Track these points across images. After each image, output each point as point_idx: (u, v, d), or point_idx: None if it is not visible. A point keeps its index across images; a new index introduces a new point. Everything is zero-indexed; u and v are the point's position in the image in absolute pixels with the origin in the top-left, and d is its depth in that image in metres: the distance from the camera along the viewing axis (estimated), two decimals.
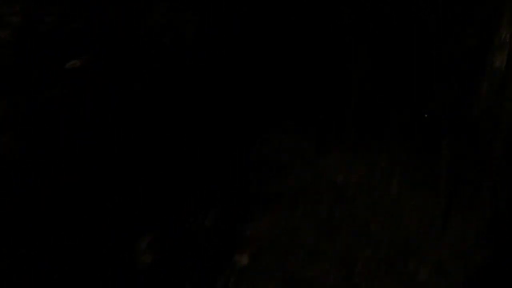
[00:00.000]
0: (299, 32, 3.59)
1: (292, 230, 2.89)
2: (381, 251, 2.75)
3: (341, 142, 4.25)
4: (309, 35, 3.64)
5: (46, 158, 2.37)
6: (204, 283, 2.31)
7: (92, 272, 2.15)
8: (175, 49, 3.08)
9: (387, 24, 3.48)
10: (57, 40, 2.56)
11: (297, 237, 2.82)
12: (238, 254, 2.52)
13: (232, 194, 3.11)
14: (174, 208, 2.49)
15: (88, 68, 2.48)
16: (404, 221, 3.16)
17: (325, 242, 2.80)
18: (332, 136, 4.31)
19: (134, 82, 2.87)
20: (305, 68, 3.92)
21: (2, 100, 2.39)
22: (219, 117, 3.52)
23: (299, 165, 3.99)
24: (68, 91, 2.34)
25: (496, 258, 2.78)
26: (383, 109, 4.26)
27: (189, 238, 2.32)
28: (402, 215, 3.25)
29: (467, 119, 3.76)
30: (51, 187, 2.30)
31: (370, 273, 2.66)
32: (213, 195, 2.95)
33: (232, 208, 2.95)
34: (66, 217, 2.33)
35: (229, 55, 3.43)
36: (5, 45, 2.60)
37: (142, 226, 2.21)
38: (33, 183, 2.28)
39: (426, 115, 3.40)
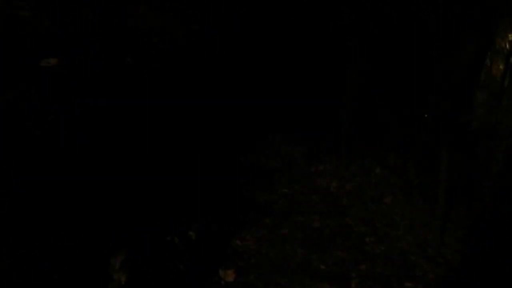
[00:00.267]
0: (297, 33, 3.48)
1: (281, 242, 2.72)
2: (377, 267, 2.58)
3: (335, 148, 4.11)
4: (307, 36, 3.54)
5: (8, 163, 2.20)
6: None
7: None
8: (166, 48, 2.93)
9: (386, 28, 3.36)
10: (32, 36, 2.38)
11: (287, 251, 2.64)
12: (223, 270, 2.34)
13: (219, 203, 2.95)
14: (153, 219, 2.31)
15: (65, 67, 2.30)
16: (400, 234, 3.00)
17: (317, 256, 2.62)
18: (326, 142, 4.18)
19: (118, 82, 2.70)
20: (300, 72, 3.80)
21: None
22: (208, 121, 3.38)
23: (291, 172, 3.84)
24: (42, 91, 2.16)
25: (494, 276, 2.62)
26: (379, 116, 4.13)
27: (169, 253, 2.14)
28: (398, 228, 3.09)
29: (464, 128, 3.65)
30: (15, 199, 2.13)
31: None
32: (198, 204, 2.78)
33: (219, 218, 2.77)
34: (39, 233, 2.18)
35: (222, 57, 3.29)
36: None
37: (116, 240, 2.01)
38: None
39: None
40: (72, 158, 2.43)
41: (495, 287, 2.59)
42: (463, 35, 3.48)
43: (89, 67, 2.34)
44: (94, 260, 2.02)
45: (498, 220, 3.10)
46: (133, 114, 2.70)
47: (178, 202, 2.66)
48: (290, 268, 2.50)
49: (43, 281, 2.03)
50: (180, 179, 2.82)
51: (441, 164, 2.90)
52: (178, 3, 3.08)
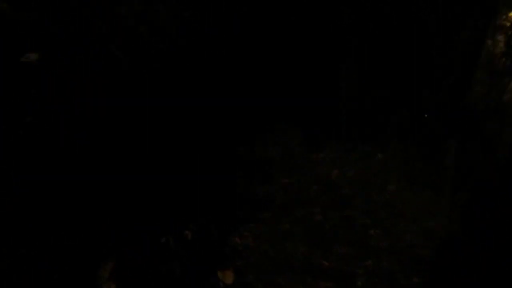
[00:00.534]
0: (298, 30, 3.36)
1: (282, 239, 2.60)
2: (383, 263, 2.46)
3: (334, 134, 3.99)
4: (307, 31, 3.41)
5: None
6: None
7: None
8: (153, 38, 2.79)
9: (384, 14, 3.22)
10: (10, 30, 2.24)
11: (288, 248, 2.53)
12: (222, 271, 2.22)
13: (216, 199, 2.82)
14: (146, 219, 2.19)
15: (46, 63, 2.17)
16: (405, 225, 2.88)
17: (319, 253, 2.50)
18: (325, 128, 4.05)
19: (105, 78, 2.57)
20: (297, 60, 3.67)
21: None
22: (202, 112, 3.25)
23: (290, 161, 3.72)
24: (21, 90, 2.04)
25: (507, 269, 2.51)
26: (378, 99, 4.00)
27: (163, 256, 2.02)
28: (404, 218, 2.97)
29: (468, 112, 3.51)
30: None
31: None
32: (194, 201, 2.65)
33: (216, 215, 2.65)
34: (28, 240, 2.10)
35: (218, 46, 3.15)
36: None
37: (105, 245, 1.89)
38: None
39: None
40: (64, 158, 2.33)
41: (499, 279, 2.48)
42: (463, 11, 3.34)
43: (77, 63, 2.21)
44: (81, 269, 1.91)
45: (505, 211, 2.99)
46: (125, 110, 2.57)
47: (172, 199, 2.55)
48: (291, 267, 2.39)
49: None
50: (175, 175, 2.70)
51: (448, 149, 2.78)
52: None
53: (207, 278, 2.17)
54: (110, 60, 2.60)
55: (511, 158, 2.99)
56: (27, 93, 2.30)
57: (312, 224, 2.81)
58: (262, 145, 3.92)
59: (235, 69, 3.43)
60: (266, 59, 3.46)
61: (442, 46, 3.44)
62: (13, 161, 2.26)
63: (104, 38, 2.48)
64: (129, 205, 2.23)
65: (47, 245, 2.14)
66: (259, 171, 3.50)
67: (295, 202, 3.13)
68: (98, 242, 2.04)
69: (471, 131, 3.16)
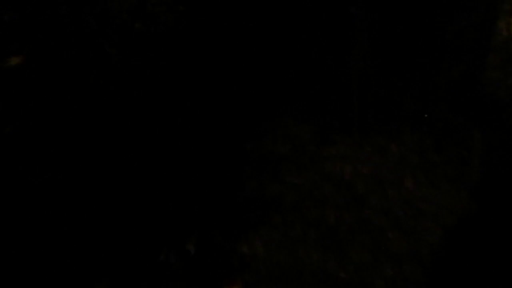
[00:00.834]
0: (305, 16, 3.19)
1: (294, 246, 2.41)
2: (405, 271, 2.27)
3: (346, 126, 3.80)
4: (314, 18, 3.24)
5: None
6: None
7: None
8: (149, 34, 2.62)
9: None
10: None
11: (300, 256, 2.34)
12: (229, 287, 2.04)
13: (222, 202, 2.64)
14: (143, 234, 2.01)
15: (30, 67, 1.99)
16: (426, 225, 2.68)
17: (335, 261, 2.32)
18: (336, 120, 3.87)
19: (96, 81, 2.40)
20: (306, 51, 3.49)
21: None
22: (206, 107, 3.07)
23: (300, 158, 3.54)
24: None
25: None
26: (390, 88, 3.81)
27: (163, 276, 1.84)
28: (424, 217, 2.77)
29: (486, 99, 3.32)
30: None
31: None
32: (197, 207, 2.48)
33: (221, 221, 2.47)
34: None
35: (216, 41, 2.98)
36: None
37: (97, 269, 1.71)
38: None
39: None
40: (50, 166, 2.18)
41: None
42: None
43: (66, 63, 2.04)
44: None
45: None
46: (120, 110, 2.41)
47: (171, 204, 2.37)
48: (305, 278, 2.21)
49: None
50: (175, 176, 2.53)
51: (473, 141, 2.58)
52: None
53: None
54: (102, 57, 2.44)
55: None
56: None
57: (325, 228, 2.62)
58: (271, 141, 3.74)
59: (238, 62, 3.25)
60: (272, 50, 3.29)
61: (453, 31, 3.26)
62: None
63: (96, 35, 2.32)
64: (122, 212, 2.06)
65: (33, 265, 2.04)
66: (268, 169, 3.32)
67: (307, 203, 2.94)
68: (86, 264, 1.86)
69: (494, 121, 2.96)
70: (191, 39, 2.98)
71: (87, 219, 2.20)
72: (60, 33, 2.28)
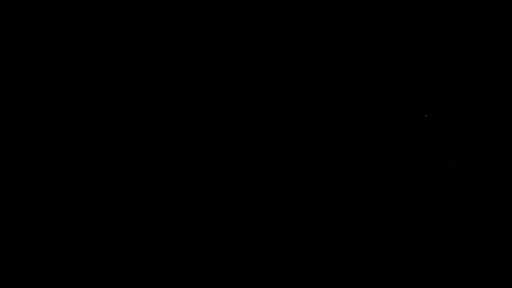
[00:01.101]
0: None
1: None
2: None
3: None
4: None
5: None
6: None
7: None
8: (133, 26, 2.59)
9: None
10: None
11: None
12: None
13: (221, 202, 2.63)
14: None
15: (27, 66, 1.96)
16: None
17: None
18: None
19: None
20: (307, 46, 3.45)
21: None
22: (205, 104, 3.06)
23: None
24: None
25: None
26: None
27: None
28: None
29: None
30: None
31: None
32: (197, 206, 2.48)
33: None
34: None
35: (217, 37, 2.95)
36: None
37: None
38: None
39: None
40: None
41: None
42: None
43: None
44: None
45: None
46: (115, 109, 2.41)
47: (172, 207, 2.38)
48: None
49: None
50: (175, 177, 2.53)
51: None
52: None
53: None
54: (102, 57, 2.43)
55: None
56: None
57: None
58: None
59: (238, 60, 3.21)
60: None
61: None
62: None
63: (95, 34, 2.31)
64: (122, 212, 2.04)
65: (33, 265, 2.07)
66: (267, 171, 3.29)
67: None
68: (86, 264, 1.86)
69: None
70: (191, 38, 2.96)
71: (87, 219, 2.21)
72: (59, 32, 2.27)
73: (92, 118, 2.41)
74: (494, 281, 2.29)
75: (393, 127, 2.53)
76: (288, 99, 2.59)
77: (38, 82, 2.40)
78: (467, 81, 2.70)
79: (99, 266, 2.18)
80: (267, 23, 2.71)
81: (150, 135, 2.50)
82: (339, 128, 2.53)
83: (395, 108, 2.57)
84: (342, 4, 2.67)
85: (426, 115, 2.76)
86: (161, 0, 2.60)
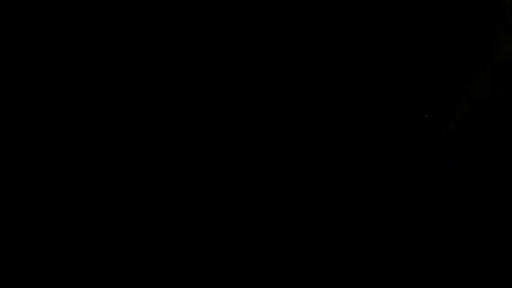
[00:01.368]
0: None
1: None
2: None
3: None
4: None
5: None
6: None
7: None
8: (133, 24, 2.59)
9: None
10: None
11: None
12: None
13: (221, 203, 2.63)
14: None
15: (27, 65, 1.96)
16: None
17: None
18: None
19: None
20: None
21: None
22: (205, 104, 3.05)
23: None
24: None
25: None
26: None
27: None
28: None
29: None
30: None
31: None
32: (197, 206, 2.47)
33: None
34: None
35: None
36: None
37: None
38: None
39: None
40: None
41: None
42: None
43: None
44: None
45: None
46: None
47: (171, 208, 2.38)
48: None
49: None
50: (174, 178, 2.52)
51: None
52: None
53: None
54: (101, 56, 2.42)
55: None
56: None
57: None
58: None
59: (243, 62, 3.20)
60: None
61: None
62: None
63: (94, 33, 2.31)
64: (121, 212, 2.04)
65: (33, 265, 2.07)
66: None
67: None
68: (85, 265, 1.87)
69: None
70: (190, 38, 2.95)
71: (87, 219, 2.20)
72: (59, 32, 2.27)
73: (92, 118, 2.41)
74: (494, 281, 2.29)
75: (393, 127, 2.53)
76: (288, 99, 2.59)
77: (38, 82, 2.40)
78: (467, 81, 2.70)
79: (99, 266, 2.18)
80: (267, 23, 2.71)
81: (149, 135, 2.50)
82: (339, 128, 2.53)
83: (395, 108, 2.57)
84: (342, 4, 2.66)
85: (426, 115, 2.75)
86: (161, 0, 2.61)
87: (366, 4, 2.76)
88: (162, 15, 2.66)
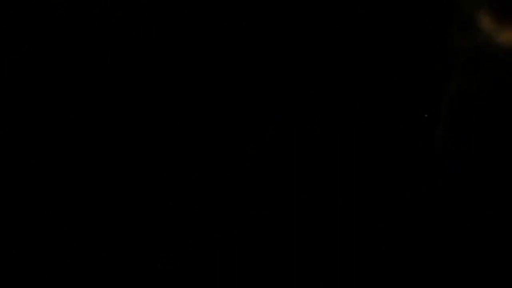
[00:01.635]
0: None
1: None
2: None
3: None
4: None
5: None
6: None
7: None
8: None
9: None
10: None
11: None
12: None
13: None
14: None
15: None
16: None
17: None
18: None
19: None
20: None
21: None
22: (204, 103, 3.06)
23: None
24: None
25: None
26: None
27: None
28: None
29: None
30: None
31: None
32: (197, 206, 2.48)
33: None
34: None
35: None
36: None
37: None
38: None
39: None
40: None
41: None
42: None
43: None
44: None
45: None
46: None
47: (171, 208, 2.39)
48: None
49: None
50: (174, 178, 2.53)
51: None
52: None
53: None
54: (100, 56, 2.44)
55: None
56: None
57: None
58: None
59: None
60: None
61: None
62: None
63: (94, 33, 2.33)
64: (121, 213, 2.06)
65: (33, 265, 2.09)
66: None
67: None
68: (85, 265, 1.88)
69: None
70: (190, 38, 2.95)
71: (87, 219, 2.22)
72: (59, 32, 2.28)
73: (92, 118, 2.42)
74: (494, 281, 2.30)
75: (393, 127, 2.54)
76: (288, 99, 2.59)
77: (38, 82, 2.41)
78: (467, 81, 2.70)
79: (99, 266, 2.19)
80: (267, 23, 2.71)
81: (149, 134, 2.51)
82: (339, 128, 2.53)
83: (395, 108, 2.57)
84: (342, 4, 2.67)
85: (426, 115, 2.75)
86: (161, 0, 2.61)
87: (366, 4, 2.77)
88: (162, 15, 2.66)
